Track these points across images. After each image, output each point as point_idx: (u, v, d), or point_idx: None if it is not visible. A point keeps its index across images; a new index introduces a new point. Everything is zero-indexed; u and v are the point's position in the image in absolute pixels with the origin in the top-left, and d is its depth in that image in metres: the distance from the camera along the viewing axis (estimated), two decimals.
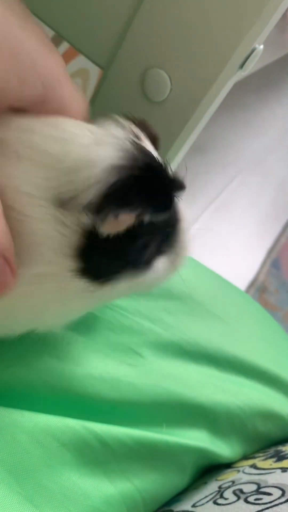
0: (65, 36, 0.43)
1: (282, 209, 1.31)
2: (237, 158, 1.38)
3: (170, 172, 0.26)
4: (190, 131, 0.41)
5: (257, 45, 0.38)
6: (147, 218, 0.25)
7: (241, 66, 0.38)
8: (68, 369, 0.33)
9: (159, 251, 0.29)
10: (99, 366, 0.34)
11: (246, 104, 1.67)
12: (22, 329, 0.29)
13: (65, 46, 0.44)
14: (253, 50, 0.38)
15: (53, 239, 0.24)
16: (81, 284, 0.26)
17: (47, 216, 0.24)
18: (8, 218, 0.23)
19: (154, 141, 0.30)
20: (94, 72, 0.53)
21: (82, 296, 0.27)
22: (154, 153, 0.28)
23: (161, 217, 0.27)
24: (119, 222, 0.24)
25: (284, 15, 0.52)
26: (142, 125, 0.30)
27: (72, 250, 0.25)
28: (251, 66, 0.39)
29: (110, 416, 0.33)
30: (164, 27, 0.38)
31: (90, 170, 0.24)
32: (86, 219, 0.24)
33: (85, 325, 0.36)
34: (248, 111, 1.65)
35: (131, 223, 0.25)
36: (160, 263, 0.30)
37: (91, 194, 0.24)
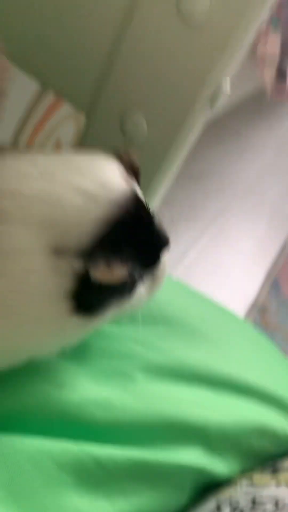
0: (49, 84, 0.47)
1: (278, 231, 1.33)
2: (232, 184, 1.42)
3: (160, 227, 0.29)
4: (168, 166, 0.44)
5: (222, 82, 0.41)
6: (136, 272, 0.28)
7: (210, 102, 0.41)
8: (64, 395, 0.35)
9: (140, 279, 0.32)
10: (94, 391, 0.36)
11: (239, 132, 1.72)
12: (22, 360, 0.32)
13: (49, 99, 0.48)
14: (219, 87, 0.41)
15: (49, 285, 0.27)
16: (75, 320, 0.29)
17: (43, 267, 0.27)
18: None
19: (136, 172, 0.33)
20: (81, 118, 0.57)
21: (76, 328, 0.30)
22: (144, 199, 0.31)
23: (148, 270, 0.30)
24: (112, 273, 0.27)
25: (253, 53, 0.56)
26: (126, 157, 0.33)
27: (66, 294, 0.28)
28: (219, 102, 0.42)
29: (106, 438, 0.35)
30: (139, 74, 0.42)
31: (83, 222, 0.27)
32: (78, 265, 0.27)
33: (80, 353, 0.38)
34: (241, 139, 1.70)
35: (123, 275, 0.28)
36: (142, 288, 0.32)
37: (84, 242, 0.27)
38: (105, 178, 0.28)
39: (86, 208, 0.27)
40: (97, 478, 0.33)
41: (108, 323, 0.41)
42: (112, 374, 0.38)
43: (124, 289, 0.30)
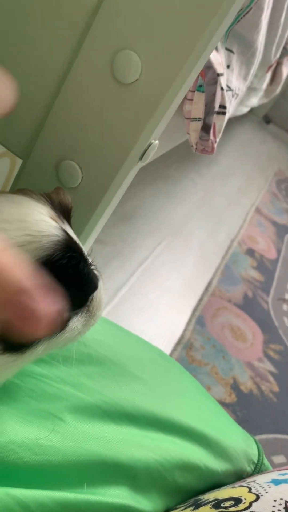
0: None
1: (203, 270, 1.40)
2: (161, 224, 1.48)
3: (89, 268, 0.31)
4: (102, 212, 0.47)
5: (153, 141, 0.45)
6: (66, 315, 0.29)
7: (141, 158, 0.45)
8: None
9: (73, 313, 0.33)
10: (21, 433, 0.36)
11: (168, 176, 1.81)
12: None
13: None
14: (149, 145, 0.45)
15: None
16: (4, 358, 0.30)
17: None
18: None
19: (67, 208, 0.35)
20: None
21: (6, 365, 0.30)
22: (77, 242, 0.32)
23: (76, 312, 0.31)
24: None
25: (181, 107, 0.61)
26: (56, 196, 0.34)
27: None
28: (150, 158, 0.46)
29: (33, 480, 0.35)
30: (74, 126, 0.44)
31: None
32: None
33: (7, 394, 0.39)
34: (170, 182, 1.79)
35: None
36: (75, 323, 0.34)
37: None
38: (32, 226, 0.29)
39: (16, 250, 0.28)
40: None
41: (37, 361, 0.42)
42: (41, 415, 0.39)
43: None
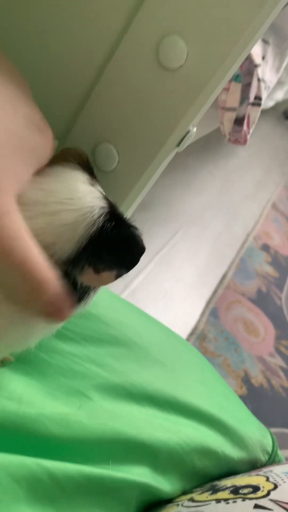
0: None
1: (218, 262, 1.40)
2: (177, 214, 1.48)
3: (138, 235, 0.32)
4: (134, 198, 0.47)
5: (191, 128, 0.45)
6: (121, 275, 0.31)
7: (178, 144, 0.45)
8: (22, 410, 0.36)
9: None
10: (51, 407, 0.37)
11: (186, 166, 1.80)
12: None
13: None
14: (187, 132, 0.45)
15: None
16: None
17: None
18: None
19: (88, 163, 0.36)
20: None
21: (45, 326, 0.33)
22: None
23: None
24: (101, 278, 0.30)
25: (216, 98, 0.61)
26: (76, 155, 0.35)
27: None
28: (186, 145, 0.46)
29: (61, 454, 0.36)
30: (114, 109, 0.44)
31: (66, 239, 0.29)
32: (58, 272, 0.29)
33: (37, 370, 0.40)
34: (188, 172, 1.78)
35: (111, 280, 0.31)
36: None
37: (68, 254, 0.29)
38: (82, 203, 0.30)
39: (63, 231, 0.29)
40: (50, 493, 0.34)
41: (66, 340, 0.43)
42: (69, 391, 0.40)
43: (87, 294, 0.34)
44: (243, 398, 0.96)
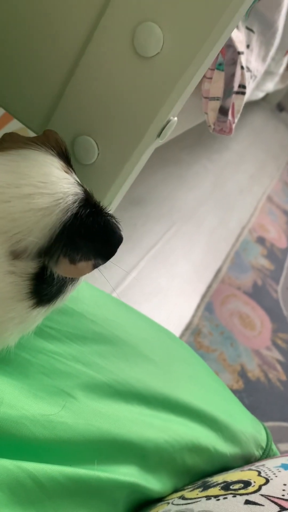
0: (1, 103, 0.47)
1: (213, 256, 1.39)
2: (171, 209, 1.47)
3: (115, 224, 0.31)
4: (117, 191, 0.46)
5: (171, 117, 0.44)
6: (98, 265, 0.30)
7: (159, 135, 0.44)
8: (2, 411, 0.35)
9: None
10: (33, 408, 0.36)
11: (180, 160, 1.79)
12: None
13: (2, 111, 0.49)
14: (168, 122, 0.44)
15: (10, 291, 0.29)
16: (38, 311, 0.32)
17: (2, 273, 0.28)
18: None
19: (65, 151, 0.35)
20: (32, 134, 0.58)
21: (36, 316, 0.32)
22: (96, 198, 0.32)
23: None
24: (77, 269, 0.29)
25: (198, 88, 0.60)
26: (49, 135, 0.34)
27: (26, 295, 0.30)
28: (168, 135, 0.45)
29: (44, 455, 0.35)
30: (92, 100, 0.43)
31: (38, 228, 0.28)
32: (34, 264, 0.28)
33: (19, 369, 0.39)
34: (182, 167, 1.77)
35: (88, 271, 0.29)
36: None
37: (42, 244, 0.28)
38: (56, 188, 0.29)
39: (38, 217, 0.28)
40: (33, 496, 0.33)
41: (48, 338, 0.42)
42: (52, 391, 0.39)
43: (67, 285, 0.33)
44: (239, 392, 0.95)
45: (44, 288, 0.30)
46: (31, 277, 0.29)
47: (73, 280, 0.33)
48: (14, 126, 0.59)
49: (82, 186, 0.32)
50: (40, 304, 0.31)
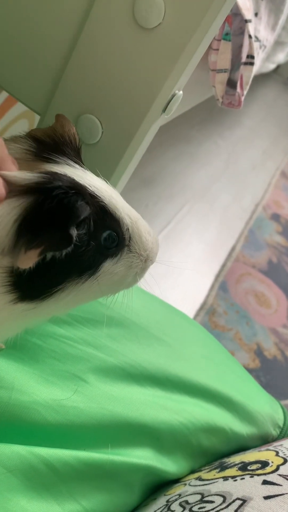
0: (3, 86, 0.46)
1: (227, 235, 1.37)
2: (183, 188, 1.45)
3: (72, 200, 0.27)
4: (124, 169, 0.44)
5: (176, 91, 0.42)
6: (49, 254, 0.28)
7: (164, 109, 0.42)
8: (14, 398, 0.34)
9: (104, 255, 0.32)
10: (45, 393, 0.36)
11: (190, 138, 1.76)
12: None
13: (5, 94, 0.48)
14: (173, 96, 0.42)
15: None
16: (23, 306, 0.29)
17: None
18: None
19: (74, 139, 0.34)
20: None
21: (28, 313, 0.30)
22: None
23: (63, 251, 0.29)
24: (28, 258, 0.27)
25: (205, 60, 0.57)
26: (62, 123, 0.33)
27: (5, 288, 0.28)
28: (173, 110, 0.43)
29: (57, 440, 0.35)
30: (93, 77, 0.42)
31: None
32: (7, 262, 0.27)
33: (29, 355, 0.38)
34: (193, 144, 1.74)
35: (38, 258, 0.27)
36: (114, 267, 0.33)
37: (5, 241, 0.27)
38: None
39: None
40: (47, 480, 0.33)
41: (58, 323, 0.41)
42: (64, 376, 0.38)
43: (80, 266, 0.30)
44: (256, 371, 0.95)
45: (26, 283, 0.28)
46: (8, 269, 0.28)
47: (75, 279, 0.31)
48: (18, 109, 0.58)
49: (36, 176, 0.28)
50: (26, 298, 0.29)
